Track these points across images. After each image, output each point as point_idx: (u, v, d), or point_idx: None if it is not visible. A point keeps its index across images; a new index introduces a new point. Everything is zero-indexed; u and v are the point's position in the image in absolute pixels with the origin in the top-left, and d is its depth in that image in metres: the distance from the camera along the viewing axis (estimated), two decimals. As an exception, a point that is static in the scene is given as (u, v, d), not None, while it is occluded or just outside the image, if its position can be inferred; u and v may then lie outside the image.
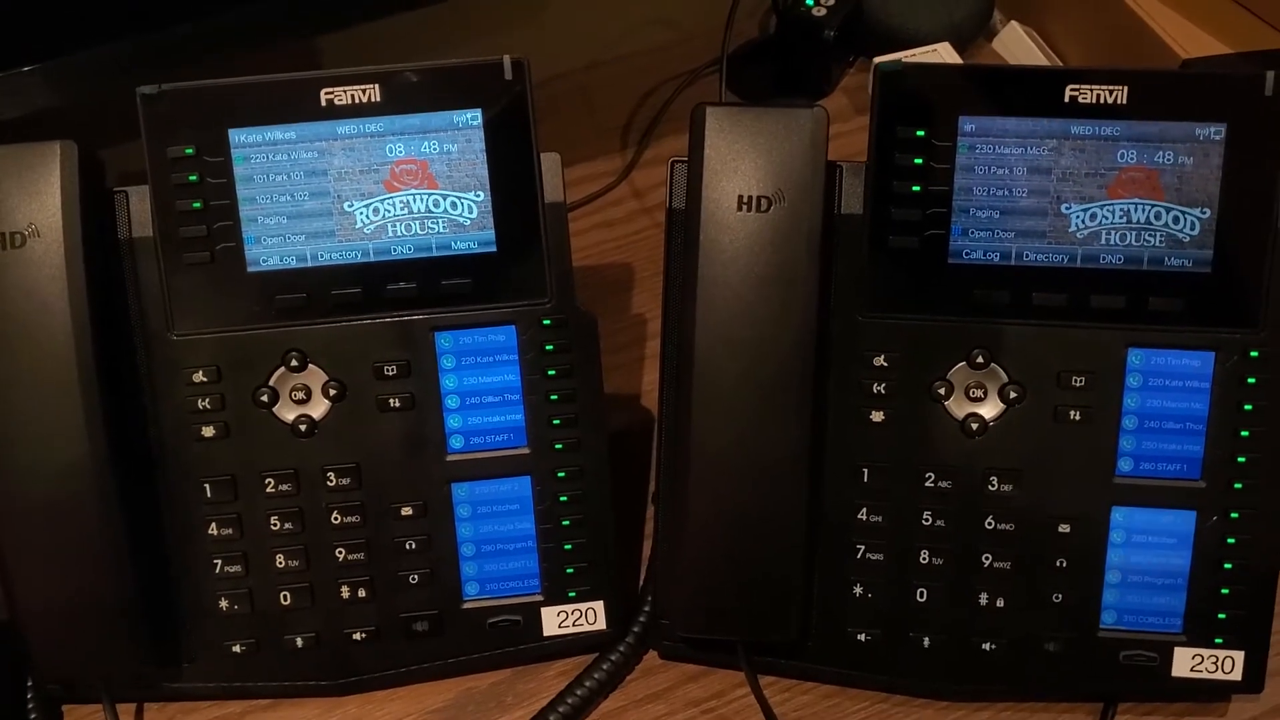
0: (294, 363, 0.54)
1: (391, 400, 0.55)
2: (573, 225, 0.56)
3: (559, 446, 0.56)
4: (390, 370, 0.55)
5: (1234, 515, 0.53)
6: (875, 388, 0.54)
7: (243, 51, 0.63)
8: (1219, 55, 0.75)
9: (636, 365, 0.71)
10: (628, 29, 0.89)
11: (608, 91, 0.86)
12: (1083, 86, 0.51)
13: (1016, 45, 0.87)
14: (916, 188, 0.53)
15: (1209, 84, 0.52)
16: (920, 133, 0.52)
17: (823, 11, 0.82)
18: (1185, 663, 0.54)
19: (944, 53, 0.82)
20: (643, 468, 0.65)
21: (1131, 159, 0.52)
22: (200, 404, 0.54)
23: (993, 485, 0.54)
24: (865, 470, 0.55)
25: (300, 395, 0.55)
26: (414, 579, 0.56)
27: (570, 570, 0.57)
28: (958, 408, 0.54)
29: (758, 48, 0.88)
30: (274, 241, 0.54)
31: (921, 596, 0.55)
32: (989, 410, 0.54)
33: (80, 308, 0.51)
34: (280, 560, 0.55)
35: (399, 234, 0.54)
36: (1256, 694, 0.55)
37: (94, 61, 0.60)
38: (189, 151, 0.53)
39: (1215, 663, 0.54)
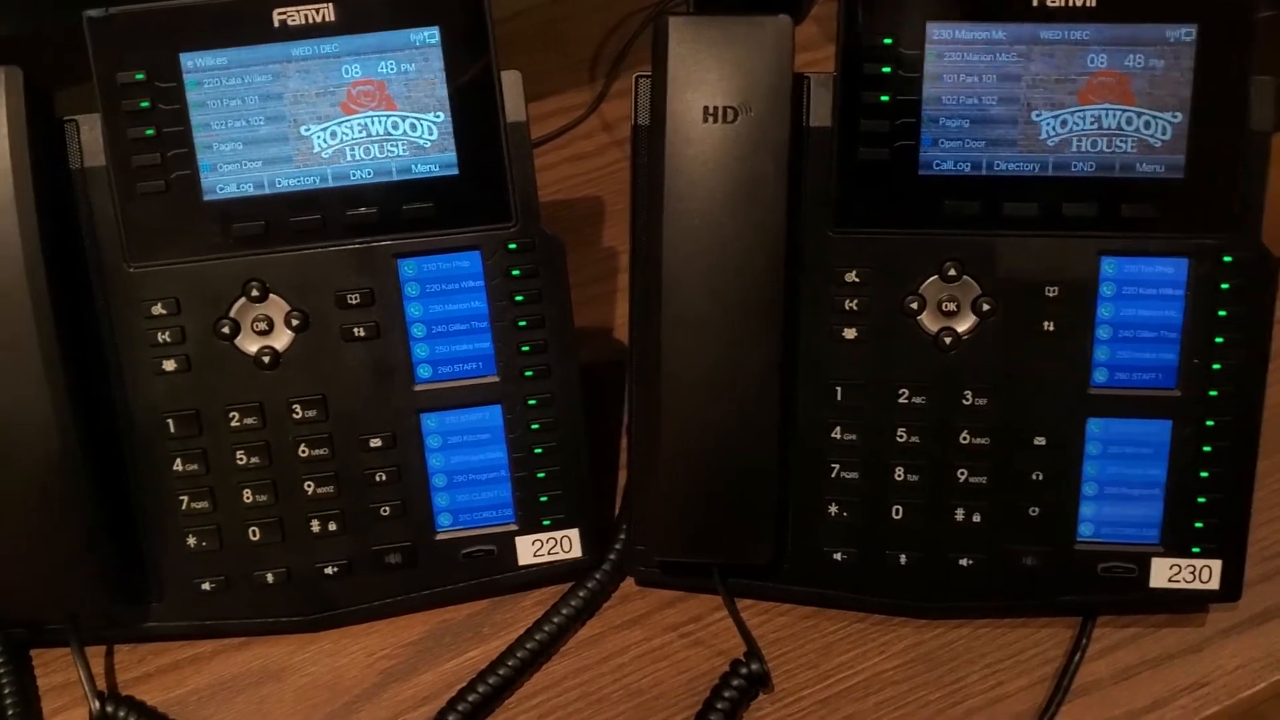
0: (255, 293, 0.53)
1: (356, 330, 0.54)
2: (543, 159, 0.55)
3: (529, 374, 0.55)
4: (353, 299, 0.54)
5: (1209, 423, 0.53)
6: (847, 304, 0.53)
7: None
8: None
9: (610, 299, 0.70)
10: (595, -40, 0.87)
11: (576, 24, 0.84)
12: (1052, -11, 0.50)
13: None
14: (885, 98, 0.52)
15: (1179, -16, 0.51)
16: (888, 41, 0.51)
17: (791, -63, 0.81)
18: (1163, 573, 0.54)
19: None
20: (617, 400, 0.64)
21: (1102, 63, 0.51)
22: (160, 337, 0.53)
23: (967, 399, 0.53)
24: (839, 388, 0.54)
25: (262, 326, 0.54)
26: (385, 511, 0.55)
27: (544, 499, 0.56)
28: (931, 322, 0.53)
29: (726, -23, 0.87)
30: (230, 168, 0.52)
31: (897, 514, 0.54)
32: (962, 324, 0.53)
33: (32, 242, 0.50)
34: (248, 495, 0.55)
35: (358, 158, 0.53)
36: (1234, 602, 0.55)
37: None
38: (139, 77, 0.51)
39: (1193, 572, 0.54)
